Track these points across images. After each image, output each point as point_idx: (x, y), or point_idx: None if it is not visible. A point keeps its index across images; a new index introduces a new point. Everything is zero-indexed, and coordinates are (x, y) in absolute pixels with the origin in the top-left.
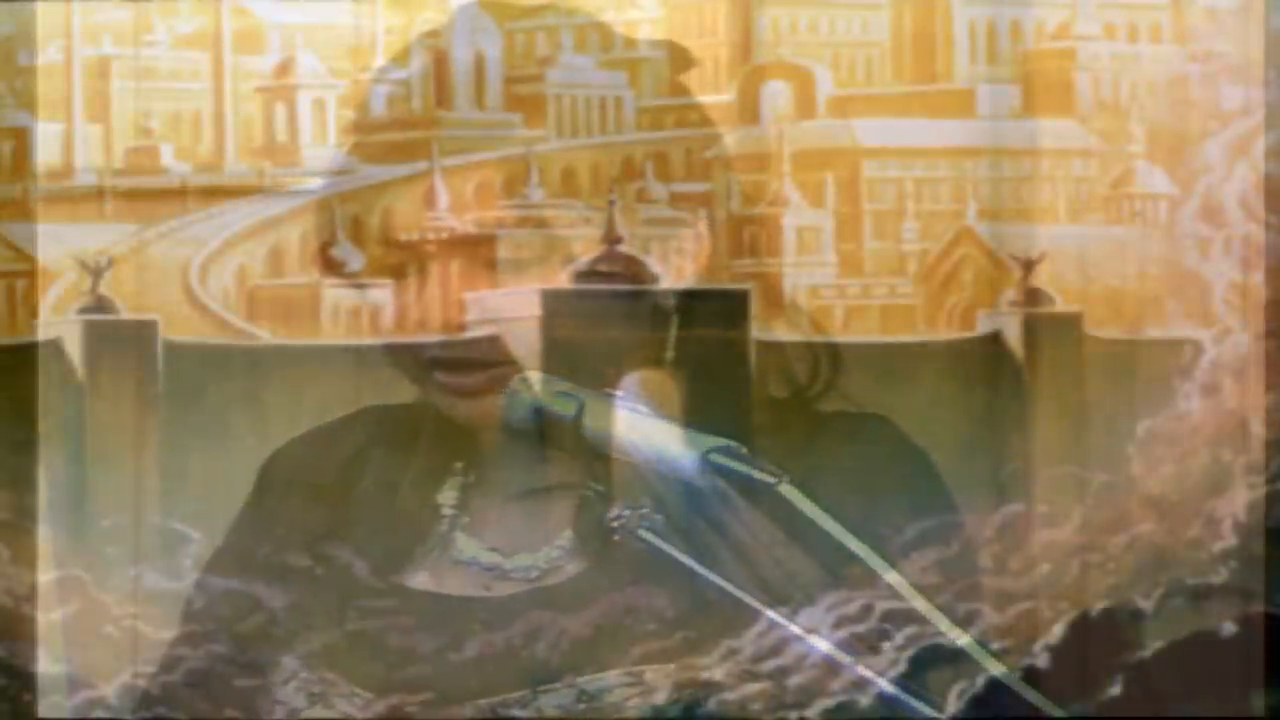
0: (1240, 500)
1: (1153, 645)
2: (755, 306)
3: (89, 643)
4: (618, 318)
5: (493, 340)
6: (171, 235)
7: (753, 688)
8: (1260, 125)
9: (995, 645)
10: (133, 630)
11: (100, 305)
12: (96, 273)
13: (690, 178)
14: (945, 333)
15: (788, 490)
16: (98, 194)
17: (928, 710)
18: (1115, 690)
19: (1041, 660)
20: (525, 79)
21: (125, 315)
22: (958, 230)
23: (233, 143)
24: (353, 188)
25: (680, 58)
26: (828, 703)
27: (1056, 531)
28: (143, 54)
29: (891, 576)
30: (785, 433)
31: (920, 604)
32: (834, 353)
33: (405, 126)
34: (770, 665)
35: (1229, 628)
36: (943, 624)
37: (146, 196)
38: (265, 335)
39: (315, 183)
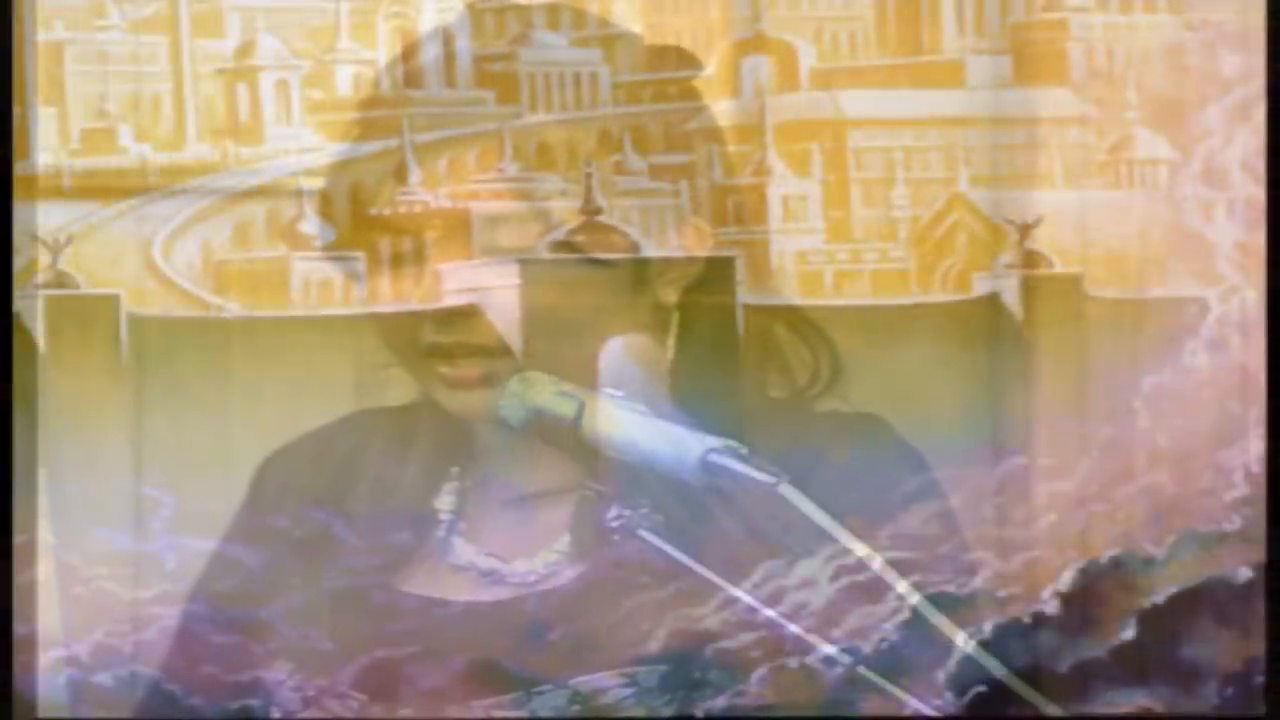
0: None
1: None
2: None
3: (60, 605)
4: (601, 288)
5: (490, 327)
6: (135, 213)
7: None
8: (1261, 91)
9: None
10: (101, 591)
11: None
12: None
13: (670, 149)
14: (939, 295)
15: (788, 490)
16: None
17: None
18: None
19: None
20: (496, 57)
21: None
22: (950, 196)
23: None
24: (323, 164)
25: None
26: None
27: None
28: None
29: (891, 576)
30: (779, 430)
31: (919, 601)
32: (834, 354)
33: (374, 105)
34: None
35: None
36: (945, 625)
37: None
38: (234, 308)
39: (281, 162)
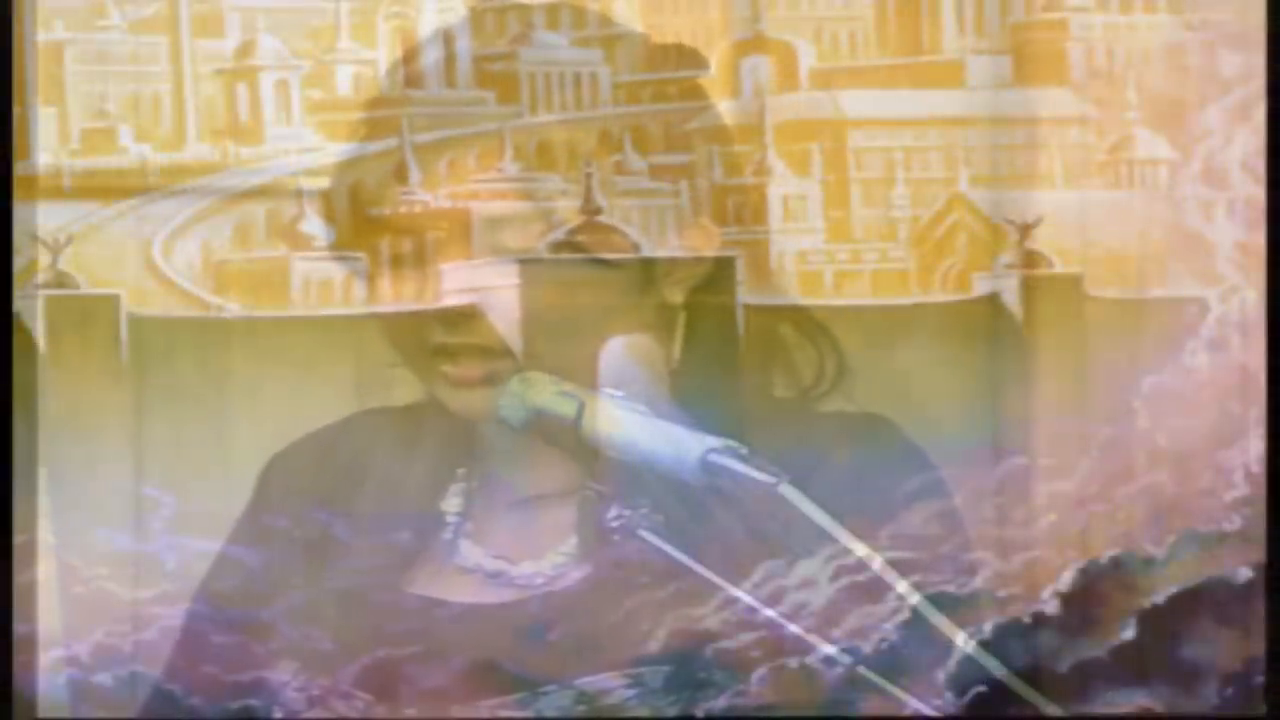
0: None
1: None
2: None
3: (60, 605)
4: (602, 288)
5: (491, 328)
6: (135, 212)
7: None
8: (1261, 91)
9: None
10: (101, 591)
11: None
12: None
13: (670, 149)
14: (939, 295)
15: (788, 490)
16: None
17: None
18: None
19: None
20: (496, 57)
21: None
22: (950, 196)
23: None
24: (323, 164)
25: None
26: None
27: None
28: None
29: (893, 577)
30: (784, 429)
31: (919, 601)
32: (839, 354)
33: (374, 105)
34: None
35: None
36: (945, 625)
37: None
38: (234, 308)
39: (281, 162)
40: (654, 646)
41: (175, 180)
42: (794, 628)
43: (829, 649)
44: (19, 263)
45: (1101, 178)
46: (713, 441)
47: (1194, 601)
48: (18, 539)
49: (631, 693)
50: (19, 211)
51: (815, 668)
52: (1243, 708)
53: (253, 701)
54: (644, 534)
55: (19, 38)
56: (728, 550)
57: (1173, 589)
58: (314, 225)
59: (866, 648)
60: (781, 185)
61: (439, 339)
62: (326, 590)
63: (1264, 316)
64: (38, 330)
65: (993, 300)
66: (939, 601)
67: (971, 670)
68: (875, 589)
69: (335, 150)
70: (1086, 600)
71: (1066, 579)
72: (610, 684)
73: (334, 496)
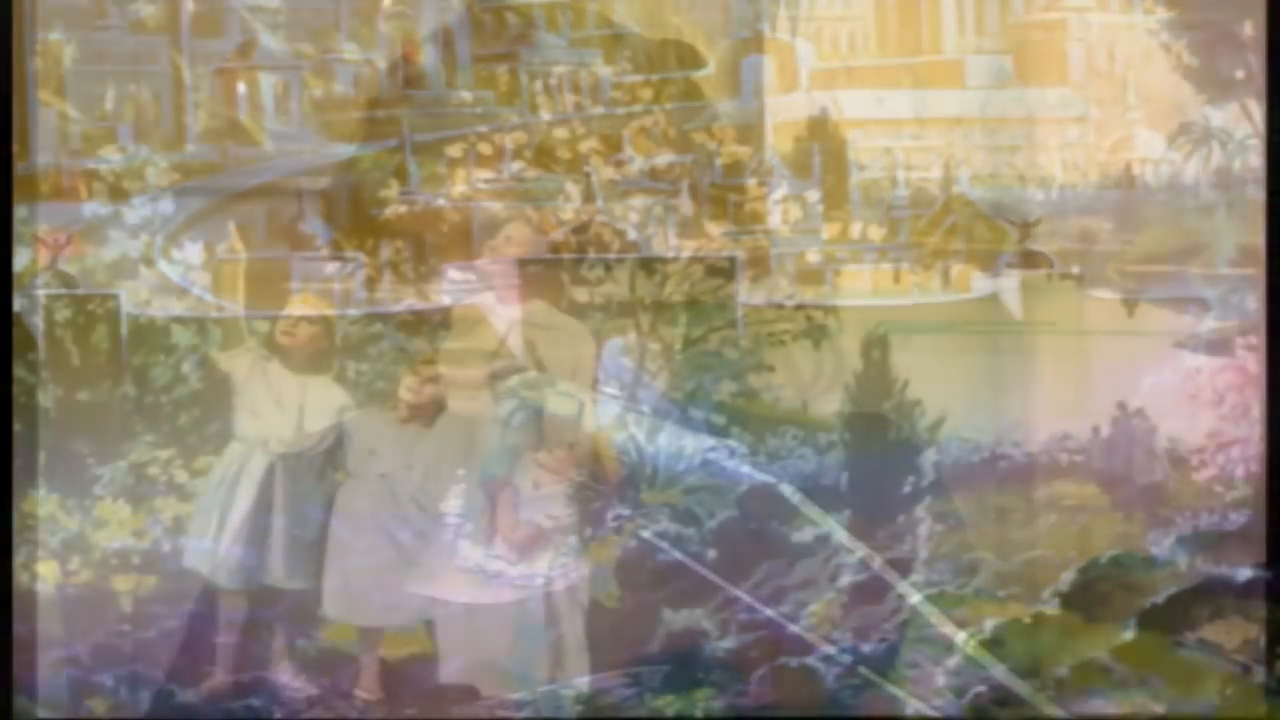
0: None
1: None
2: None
3: (60, 605)
4: (602, 288)
5: (491, 329)
6: (135, 212)
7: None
8: (1261, 91)
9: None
10: (101, 591)
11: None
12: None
13: (670, 149)
14: (939, 295)
15: (787, 490)
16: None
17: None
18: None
19: None
20: (496, 57)
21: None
22: (950, 196)
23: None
24: (323, 164)
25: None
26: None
27: None
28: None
29: (893, 577)
30: (782, 429)
31: (919, 601)
32: (838, 354)
33: (374, 105)
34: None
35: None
36: (946, 626)
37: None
38: (234, 308)
39: (281, 162)
40: (654, 646)
41: (175, 180)
42: (794, 628)
43: (829, 649)
44: (19, 263)
45: (1101, 177)
46: (712, 441)
47: (1194, 601)
48: (18, 538)
49: (631, 692)
50: (19, 211)
51: (815, 668)
52: (1243, 708)
53: (253, 701)
54: (644, 534)
55: (19, 38)
56: (728, 550)
57: (1173, 589)
58: (314, 225)
59: (866, 648)
60: (781, 186)
61: (439, 340)
62: (326, 590)
63: (1264, 316)
64: (38, 330)
65: (993, 300)
66: (939, 601)
67: (971, 670)
68: (875, 589)
69: (335, 150)
70: (1086, 600)
71: (1066, 579)
72: (608, 683)
73: (334, 496)
